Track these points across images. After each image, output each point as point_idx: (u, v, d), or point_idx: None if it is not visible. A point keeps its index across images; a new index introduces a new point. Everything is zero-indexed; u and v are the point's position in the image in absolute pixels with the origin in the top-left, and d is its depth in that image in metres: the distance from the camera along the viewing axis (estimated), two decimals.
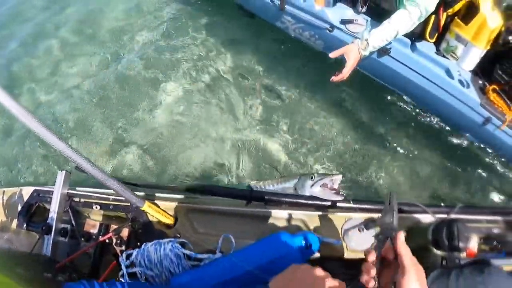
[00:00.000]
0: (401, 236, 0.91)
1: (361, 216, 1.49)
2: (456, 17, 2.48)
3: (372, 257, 0.92)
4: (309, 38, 2.68)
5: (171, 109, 2.72)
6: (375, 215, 1.49)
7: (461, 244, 1.24)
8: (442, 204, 1.94)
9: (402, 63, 2.40)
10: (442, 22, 2.47)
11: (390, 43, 2.37)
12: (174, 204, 1.51)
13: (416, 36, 2.51)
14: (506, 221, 1.53)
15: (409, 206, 1.49)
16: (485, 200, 2.59)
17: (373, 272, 0.88)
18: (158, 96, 2.77)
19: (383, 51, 2.39)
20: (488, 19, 2.33)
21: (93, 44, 3.29)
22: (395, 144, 2.69)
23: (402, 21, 2.21)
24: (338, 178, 1.47)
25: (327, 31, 2.51)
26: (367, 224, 1.42)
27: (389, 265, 0.94)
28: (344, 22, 2.46)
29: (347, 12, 2.51)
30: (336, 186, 1.45)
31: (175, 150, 2.57)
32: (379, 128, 2.72)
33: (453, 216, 1.49)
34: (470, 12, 2.41)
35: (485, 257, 1.24)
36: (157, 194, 1.53)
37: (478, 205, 1.91)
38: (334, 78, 2.21)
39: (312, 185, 1.47)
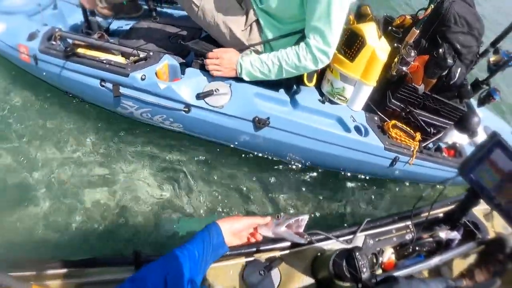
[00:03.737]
0: None
1: (261, 257, 1.11)
2: (335, 51, 1.59)
3: None
4: (162, 122, 1.57)
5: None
6: (277, 253, 1.13)
7: (363, 275, 0.95)
8: (345, 225, 1.37)
9: (287, 131, 1.51)
10: None
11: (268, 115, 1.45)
12: (65, 281, 1.06)
13: (293, 82, 1.62)
14: (415, 224, 1.27)
15: (310, 236, 1.05)
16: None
17: None
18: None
19: (261, 123, 1.48)
20: (378, 51, 1.44)
21: None
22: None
23: (289, 51, 1.35)
24: (305, 218, 0.93)
25: (183, 112, 1.46)
26: (269, 265, 1.06)
27: None
28: (201, 96, 1.45)
29: (202, 80, 1.45)
30: (302, 228, 0.94)
31: (60, 222, 1.47)
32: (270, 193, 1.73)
33: (360, 234, 1.22)
34: (351, 44, 1.52)
35: (392, 274, 1.06)
36: (48, 272, 1.04)
37: (384, 216, 1.34)
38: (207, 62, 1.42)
39: (277, 225, 0.92)
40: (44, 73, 1.66)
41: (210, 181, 1.68)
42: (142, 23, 1.82)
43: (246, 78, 1.42)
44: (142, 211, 1.56)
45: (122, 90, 1.47)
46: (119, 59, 1.57)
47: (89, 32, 1.75)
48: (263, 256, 1.12)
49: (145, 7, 1.90)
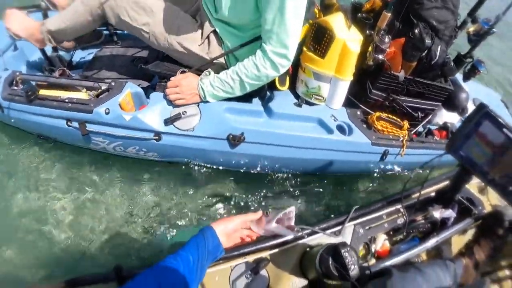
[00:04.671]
0: None
1: (248, 259, 1.00)
2: (304, 49, 1.44)
3: None
4: (137, 153, 1.44)
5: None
6: (264, 254, 1.03)
7: (352, 272, 0.86)
8: (332, 216, 1.20)
9: (265, 144, 1.37)
10: None
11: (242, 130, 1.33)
12: None
13: (265, 89, 1.47)
14: (406, 206, 1.18)
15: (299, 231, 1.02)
16: None
17: None
18: None
19: (236, 139, 1.36)
20: (349, 43, 1.29)
21: None
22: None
23: (246, 63, 1.22)
24: (292, 210, 0.87)
25: (154, 141, 1.33)
26: (255, 266, 0.96)
27: None
28: (169, 121, 1.31)
29: (169, 103, 1.31)
30: (292, 221, 0.88)
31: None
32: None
33: (348, 224, 1.11)
34: (320, 39, 1.37)
35: (386, 267, 0.97)
36: None
37: (373, 201, 1.23)
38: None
39: (268, 222, 0.86)
40: (13, 120, 1.54)
41: (192, 196, 1.57)
42: (104, 50, 1.69)
43: (211, 101, 1.29)
44: (124, 230, 1.46)
45: (89, 127, 1.35)
46: (82, 94, 1.44)
47: (53, 69, 1.63)
48: (249, 258, 1.03)
49: (106, 32, 1.77)
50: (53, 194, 1.53)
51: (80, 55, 1.74)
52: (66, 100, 1.39)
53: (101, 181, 1.57)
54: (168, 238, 1.41)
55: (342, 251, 0.89)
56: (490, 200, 1.34)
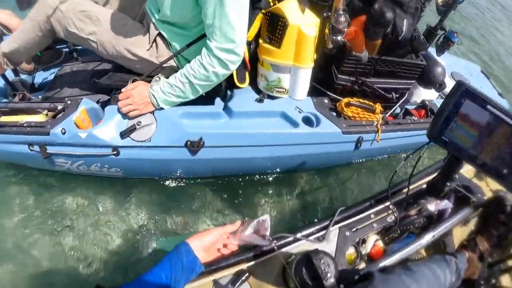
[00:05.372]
0: None
1: (229, 272, 0.94)
2: (260, 41, 1.35)
3: None
4: (100, 171, 1.38)
5: None
6: (246, 265, 0.96)
7: (327, 281, 0.79)
8: (316, 220, 1.10)
9: (226, 146, 1.29)
10: (246, 54, 1.36)
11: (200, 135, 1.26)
12: None
13: (223, 88, 1.40)
14: (396, 202, 1.08)
15: (276, 240, 0.94)
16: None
17: None
18: None
19: (194, 146, 1.28)
20: (304, 28, 1.20)
21: None
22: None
23: (193, 64, 1.14)
24: (265, 218, 0.81)
25: (113, 156, 1.27)
26: (237, 279, 0.91)
27: None
28: (125, 134, 1.24)
29: (124, 115, 1.24)
30: (268, 230, 0.81)
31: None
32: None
33: (333, 228, 1.02)
34: (274, 28, 1.28)
35: (370, 270, 0.87)
36: None
37: (359, 201, 1.14)
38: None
39: (242, 231, 0.81)
40: None
41: (166, 210, 1.51)
42: (65, 68, 1.64)
43: (166, 107, 1.23)
44: (102, 249, 1.41)
45: (50, 149, 1.31)
46: (42, 117, 1.40)
47: (16, 94, 1.59)
48: (231, 271, 0.97)
49: (66, 49, 1.72)
50: (28, 217, 1.49)
51: (42, 76, 1.70)
52: (25, 124, 1.34)
53: (74, 201, 1.53)
54: (146, 254, 1.36)
55: (314, 259, 0.82)
56: (490, 185, 1.22)
